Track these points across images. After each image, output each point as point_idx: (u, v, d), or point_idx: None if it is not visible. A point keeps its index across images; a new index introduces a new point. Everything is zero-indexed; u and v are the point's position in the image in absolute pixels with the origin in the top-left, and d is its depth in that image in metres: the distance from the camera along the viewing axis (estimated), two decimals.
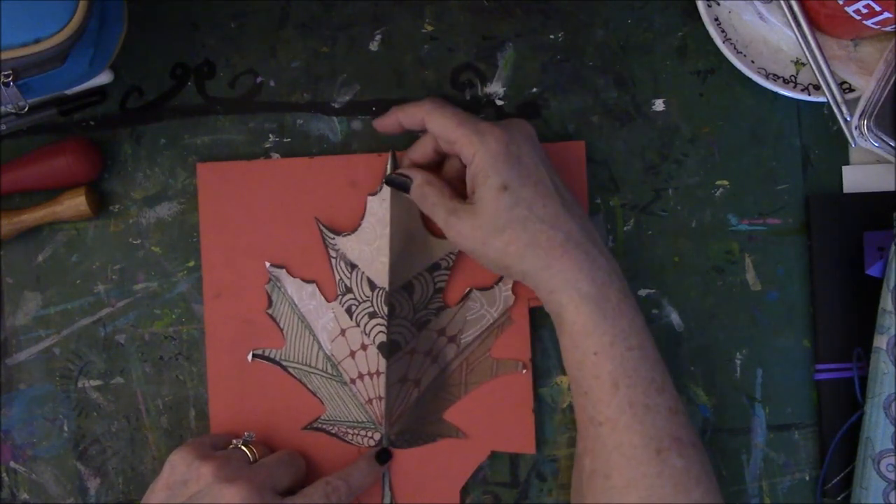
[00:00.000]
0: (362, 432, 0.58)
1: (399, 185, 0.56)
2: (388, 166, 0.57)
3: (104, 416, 0.60)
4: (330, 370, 0.58)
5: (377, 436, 0.58)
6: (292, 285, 0.58)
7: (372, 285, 0.57)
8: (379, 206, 0.57)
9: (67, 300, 0.60)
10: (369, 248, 0.57)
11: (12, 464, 0.60)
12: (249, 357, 0.58)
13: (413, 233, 0.57)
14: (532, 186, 0.51)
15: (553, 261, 0.51)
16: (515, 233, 0.51)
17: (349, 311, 0.58)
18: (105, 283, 0.60)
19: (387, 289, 0.57)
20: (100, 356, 0.60)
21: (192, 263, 0.60)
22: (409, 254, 0.57)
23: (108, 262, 0.60)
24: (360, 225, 0.58)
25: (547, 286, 0.52)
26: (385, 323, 0.57)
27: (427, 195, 0.54)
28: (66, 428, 0.60)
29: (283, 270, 0.58)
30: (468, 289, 0.58)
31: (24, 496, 0.59)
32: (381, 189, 0.57)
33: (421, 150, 0.57)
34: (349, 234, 0.58)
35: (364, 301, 0.57)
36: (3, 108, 0.53)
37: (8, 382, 0.60)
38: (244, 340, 0.59)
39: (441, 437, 0.58)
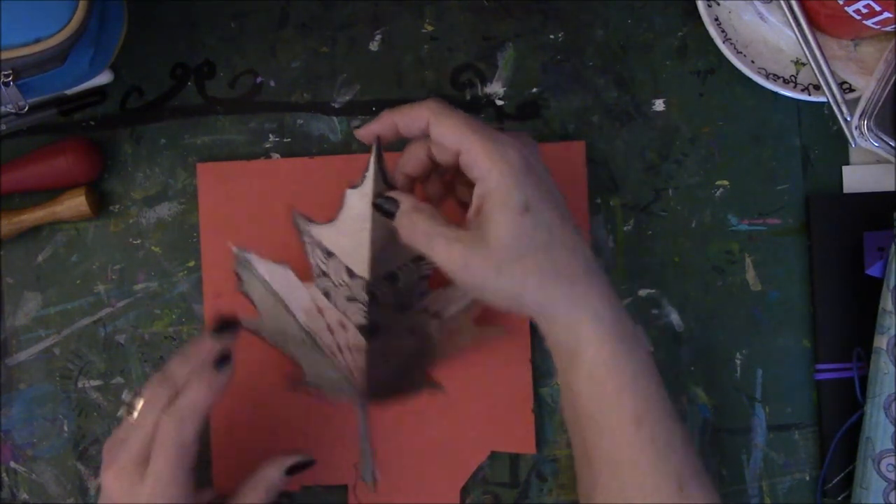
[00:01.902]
0: (342, 396, 0.57)
1: (385, 213, 0.49)
2: (372, 160, 0.51)
3: (104, 416, 0.60)
4: (307, 340, 0.56)
5: (356, 398, 0.57)
6: (263, 266, 0.56)
7: (351, 273, 0.53)
8: (359, 201, 0.52)
9: (67, 300, 0.60)
10: (348, 239, 0.53)
11: (12, 464, 0.60)
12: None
13: (392, 233, 0.52)
14: (553, 207, 0.46)
15: (576, 290, 0.46)
16: (537, 260, 0.45)
17: (326, 294, 0.55)
18: (105, 283, 0.60)
19: (367, 278, 0.53)
20: (100, 356, 0.60)
21: (192, 263, 0.60)
22: (391, 247, 0.52)
23: (108, 262, 0.60)
24: (336, 217, 0.53)
25: (566, 319, 0.46)
26: (365, 308, 0.54)
27: (417, 224, 0.47)
28: (66, 428, 0.60)
29: (253, 253, 0.56)
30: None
31: (24, 496, 0.60)
32: (362, 182, 0.51)
33: (415, 160, 0.50)
34: (325, 224, 0.54)
35: (341, 286, 0.54)
36: (3, 108, 0.53)
37: (8, 382, 0.60)
38: (244, 340, 0.59)
39: (420, 388, 0.57)
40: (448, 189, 0.53)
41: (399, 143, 0.51)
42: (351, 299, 0.54)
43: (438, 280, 0.54)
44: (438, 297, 0.56)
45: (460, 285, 0.47)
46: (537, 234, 0.45)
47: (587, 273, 0.46)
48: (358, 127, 0.52)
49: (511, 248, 0.45)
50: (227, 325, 0.51)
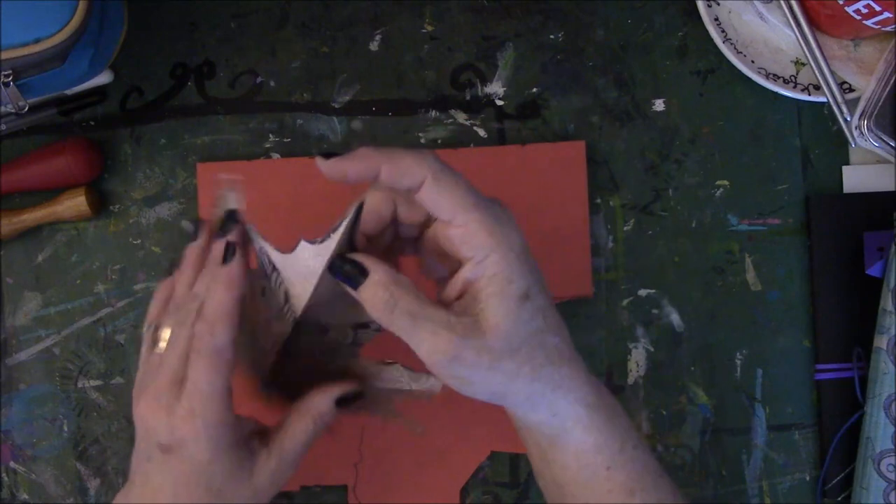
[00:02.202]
0: None
1: (345, 279, 0.42)
2: (345, 223, 0.44)
3: (104, 416, 0.60)
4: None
5: None
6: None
7: (287, 297, 0.46)
8: (312, 259, 0.45)
9: (67, 300, 0.60)
10: (294, 275, 0.46)
11: (12, 464, 0.60)
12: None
13: (344, 292, 0.44)
14: (545, 291, 0.42)
15: (563, 378, 0.42)
16: (530, 350, 0.41)
17: (262, 290, 0.48)
18: (105, 283, 0.60)
19: (297, 315, 0.46)
20: (100, 356, 0.60)
21: None
22: (333, 305, 0.46)
23: (108, 262, 0.60)
24: (287, 255, 0.46)
25: (550, 409, 0.43)
26: (285, 338, 0.47)
27: (398, 301, 0.40)
28: (66, 428, 0.60)
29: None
30: (394, 362, 0.48)
31: (24, 496, 0.59)
32: (323, 240, 0.44)
33: (376, 217, 0.43)
34: (275, 249, 0.47)
35: (275, 297, 0.47)
36: (3, 108, 0.53)
37: (8, 382, 0.60)
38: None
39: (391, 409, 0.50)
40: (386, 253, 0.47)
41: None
42: (278, 317, 0.47)
43: (371, 351, 0.49)
44: (366, 366, 0.49)
45: (439, 377, 0.42)
46: (533, 322, 0.41)
47: (571, 358, 0.43)
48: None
49: (508, 340, 0.40)
50: (228, 219, 0.46)
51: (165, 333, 0.45)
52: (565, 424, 0.43)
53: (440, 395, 0.58)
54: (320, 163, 0.41)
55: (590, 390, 0.43)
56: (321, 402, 0.46)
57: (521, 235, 0.42)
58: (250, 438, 0.46)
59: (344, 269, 0.42)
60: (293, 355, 0.48)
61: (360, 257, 0.42)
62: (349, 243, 0.44)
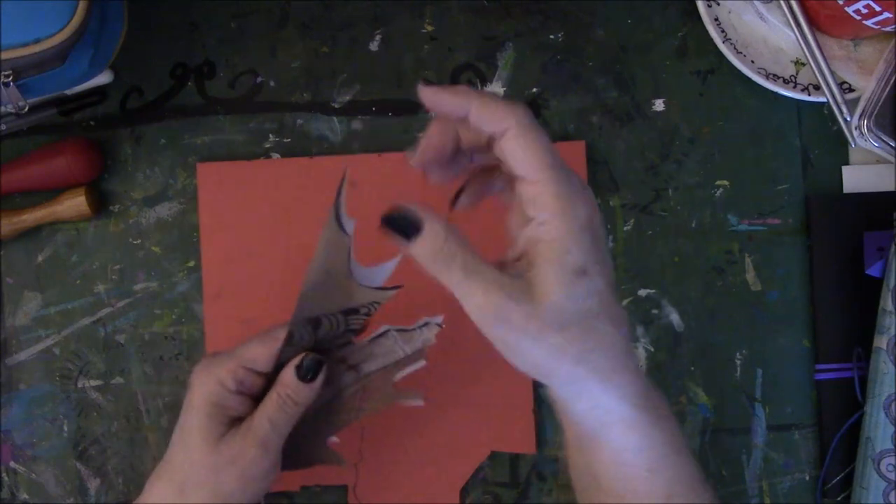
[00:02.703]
0: None
1: (398, 230, 0.40)
2: (342, 191, 0.46)
3: (104, 416, 0.60)
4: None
5: None
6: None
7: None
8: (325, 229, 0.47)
9: (67, 300, 0.60)
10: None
11: (12, 464, 0.60)
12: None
13: (337, 273, 0.47)
14: (608, 274, 0.40)
15: (614, 373, 0.41)
16: (581, 332, 0.39)
17: None
18: (105, 283, 0.60)
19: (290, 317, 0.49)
20: (100, 356, 0.60)
21: (192, 263, 0.60)
22: (325, 290, 0.48)
23: (108, 262, 0.60)
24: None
25: (594, 398, 0.41)
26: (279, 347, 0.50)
27: (454, 256, 0.39)
28: (66, 428, 0.60)
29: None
30: (386, 328, 0.51)
31: (24, 496, 0.59)
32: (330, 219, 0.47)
33: (439, 140, 0.42)
34: None
35: None
36: (3, 108, 0.53)
37: (8, 382, 0.60)
38: (244, 340, 0.59)
39: (321, 463, 0.53)
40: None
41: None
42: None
43: (364, 332, 0.51)
44: (360, 349, 0.51)
45: (486, 334, 0.40)
46: (588, 303, 0.39)
47: (625, 353, 0.41)
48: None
49: (559, 312, 0.39)
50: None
51: None
52: (608, 419, 0.41)
53: (441, 397, 0.58)
54: (422, 89, 0.40)
55: (639, 390, 0.42)
56: (283, 374, 0.49)
57: (593, 210, 0.40)
58: (238, 422, 0.49)
59: (397, 220, 0.40)
60: (292, 353, 0.49)
61: (414, 209, 0.40)
62: (338, 221, 0.46)
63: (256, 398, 0.50)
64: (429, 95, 0.40)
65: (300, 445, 0.52)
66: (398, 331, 0.51)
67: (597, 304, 0.39)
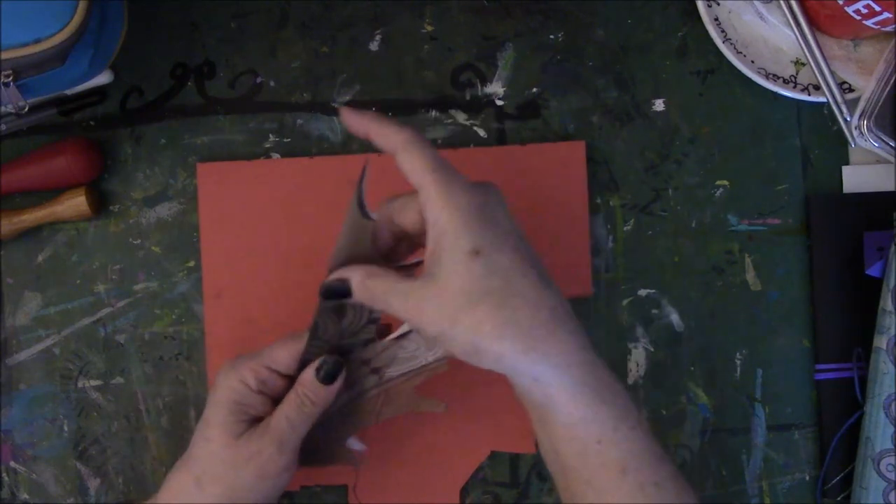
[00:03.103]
0: None
1: (337, 294, 0.47)
2: (364, 178, 0.48)
3: (104, 416, 0.60)
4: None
5: None
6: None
7: None
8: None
9: (67, 300, 0.60)
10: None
11: (12, 464, 0.60)
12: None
13: (360, 258, 0.49)
14: (510, 253, 0.44)
15: (537, 342, 0.43)
16: (490, 309, 0.42)
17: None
18: (105, 283, 0.60)
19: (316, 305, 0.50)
20: (100, 356, 0.60)
21: (192, 263, 0.60)
22: None
23: (108, 262, 0.60)
24: None
25: (530, 373, 0.44)
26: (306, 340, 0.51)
27: (373, 289, 0.46)
28: (66, 428, 0.60)
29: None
30: (409, 329, 0.51)
31: (24, 496, 0.60)
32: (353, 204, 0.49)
33: (409, 216, 0.47)
34: None
35: None
36: (3, 108, 0.53)
37: (8, 382, 0.60)
38: (244, 340, 0.59)
39: (339, 462, 0.54)
40: None
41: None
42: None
43: (386, 331, 0.52)
44: (383, 351, 0.51)
45: (425, 337, 0.46)
46: (491, 281, 0.43)
47: (551, 324, 0.44)
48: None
49: (462, 293, 0.43)
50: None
51: None
52: (549, 391, 0.44)
53: (441, 397, 0.58)
54: (342, 111, 0.47)
55: (578, 362, 0.44)
56: (304, 374, 0.50)
57: (479, 197, 0.44)
58: (258, 422, 0.51)
59: (333, 287, 0.47)
60: (317, 348, 0.51)
61: (339, 272, 0.47)
62: (361, 208, 0.48)
63: (277, 399, 0.51)
64: (345, 116, 0.47)
65: (318, 444, 0.53)
66: (421, 335, 0.51)
67: (501, 282, 0.43)
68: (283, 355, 0.51)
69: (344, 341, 0.51)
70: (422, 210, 0.45)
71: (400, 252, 0.50)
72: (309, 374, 0.50)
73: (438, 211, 0.43)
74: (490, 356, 0.43)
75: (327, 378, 0.50)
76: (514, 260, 0.43)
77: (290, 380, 0.51)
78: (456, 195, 0.43)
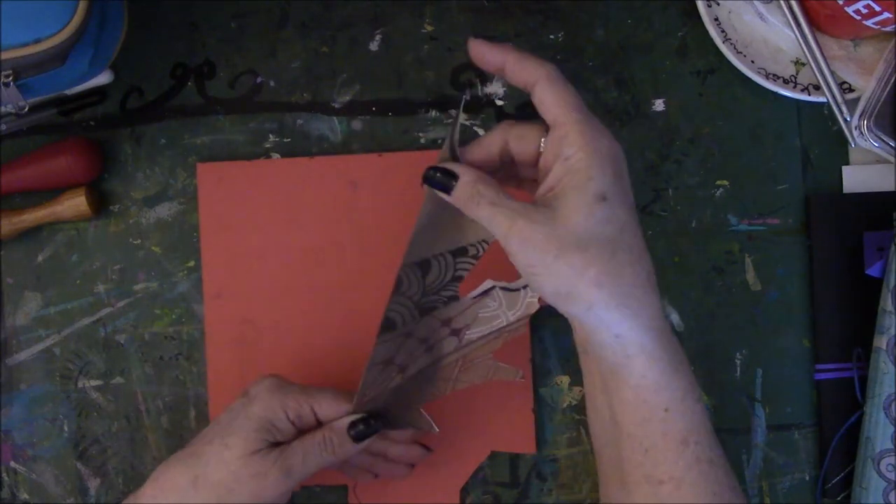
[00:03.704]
0: None
1: (438, 185, 0.46)
2: (457, 126, 0.47)
3: (104, 416, 0.60)
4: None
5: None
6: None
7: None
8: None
9: (67, 300, 0.60)
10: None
11: (12, 464, 0.60)
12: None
13: (447, 208, 0.47)
14: (629, 208, 0.44)
15: (631, 300, 0.43)
16: (599, 254, 0.42)
17: None
18: (105, 283, 0.60)
19: (401, 262, 0.49)
20: (100, 356, 0.60)
21: (192, 263, 0.60)
22: (436, 227, 0.49)
23: (108, 262, 0.60)
24: None
25: (616, 328, 0.43)
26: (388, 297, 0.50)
27: (483, 194, 0.45)
28: (66, 428, 0.60)
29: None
30: (491, 285, 0.51)
31: (24, 496, 0.60)
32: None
33: (485, 150, 0.47)
34: None
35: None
36: (3, 108, 0.53)
37: (8, 382, 0.60)
38: (244, 340, 0.59)
39: (411, 426, 0.53)
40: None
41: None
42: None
43: (468, 286, 0.51)
44: (465, 310, 0.51)
45: (515, 263, 0.44)
46: (607, 228, 0.43)
47: (648, 286, 0.44)
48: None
49: (578, 233, 0.42)
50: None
51: None
52: (628, 351, 0.44)
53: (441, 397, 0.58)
54: (471, 41, 0.46)
55: (660, 328, 0.44)
56: (338, 424, 0.51)
57: (616, 147, 0.44)
58: (278, 445, 0.50)
59: (436, 178, 0.46)
60: (399, 304, 0.49)
61: (448, 165, 0.46)
62: (452, 151, 0.47)
63: (302, 432, 0.52)
64: (475, 47, 0.46)
65: (391, 409, 0.52)
66: (502, 289, 0.51)
67: (618, 232, 0.43)
68: (332, 410, 0.51)
69: (427, 298, 0.50)
70: (552, 145, 0.44)
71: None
72: (343, 424, 0.51)
73: (577, 149, 0.43)
74: (583, 302, 0.43)
75: (358, 437, 0.51)
76: (631, 215, 0.44)
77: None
78: (596, 139, 0.43)
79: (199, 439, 0.51)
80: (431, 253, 0.49)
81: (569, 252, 0.42)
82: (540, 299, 0.51)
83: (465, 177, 0.45)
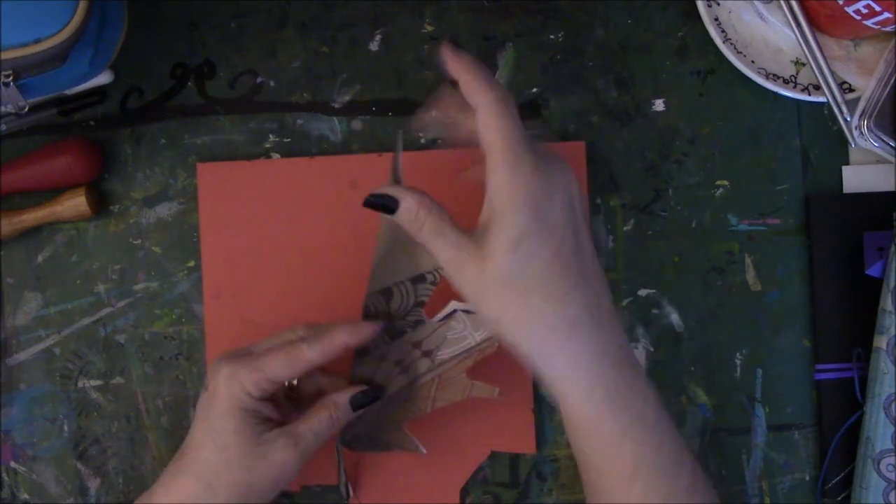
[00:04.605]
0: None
1: (381, 208, 0.47)
2: (398, 158, 0.50)
3: (104, 416, 0.60)
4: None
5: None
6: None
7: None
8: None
9: (67, 300, 0.60)
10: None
11: (12, 464, 0.60)
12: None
13: (400, 240, 0.51)
14: (554, 246, 0.44)
15: (554, 348, 0.44)
16: (515, 299, 0.44)
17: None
18: (105, 283, 0.60)
19: (366, 290, 0.53)
20: (100, 356, 0.60)
21: (192, 263, 0.60)
22: (393, 258, 0.52)
23: (108, 262, 0.60)
24: None
25: (544, 371, 0.45)
26: None
27: (423, 221, 0.46)
28: (66, 428, 0.60)
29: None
30: (454, 308, 0.52)
31: (24, 496, 0.60)
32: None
33: (451, 104, 0.49)
34: None
35: None
36: (3, 108, 0.53)
37: (8, 382, 0.60)
38: (244, 340, 0.59)
39: (397, 448, 0.54)
40: None
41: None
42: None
43: (434, 309, 0.53)
44: (432, 333, 0.53)
45: (453, 286, 0.47)
46: (525, 270, 0.43)
47: (571, 331, 0.44)
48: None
49: (497, 275, 0.44)
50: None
51: None
52: (561, 393, 0.45)
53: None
54: (443, 48, 0.47)
55: (594, 364, 0.44)
56: (339, 396, 0.52)
57: (540, 184, 0.44)
58: (268, 423, 0.51)
59: (377, 202, 0.47)
60: (369, 357, 0.53)
61: (389, 190, 0.47)
62: (395, 175, 0.50)
63: (276, 399, 0.52)
64: (442, 52, 0.47)
65: (375, 432, 0.54)
66: (465, 311, 0.52)
67: (535, 275, 0.43)
68: (284, 373, 0.50)
69: (396, 324, 0.53)
70: (486, 174, 0.45)
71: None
72: (344, 399, 0.52)
73: (496, 187, 0.44)
74: (507, 342, 0.45)
75: (360, 408, 0.52)
76: (550, 264, 0.44)
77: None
78: (519, 174, 0.43)
79: (190, 448, 0.51)
80: (392, 281, 0.53)
81: (491, 293, 0.44)
82: None
83: (407, 200, 0.46)
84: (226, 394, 0.50)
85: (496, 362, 0.59)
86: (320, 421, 0.51)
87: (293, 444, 0.50)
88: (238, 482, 0.50)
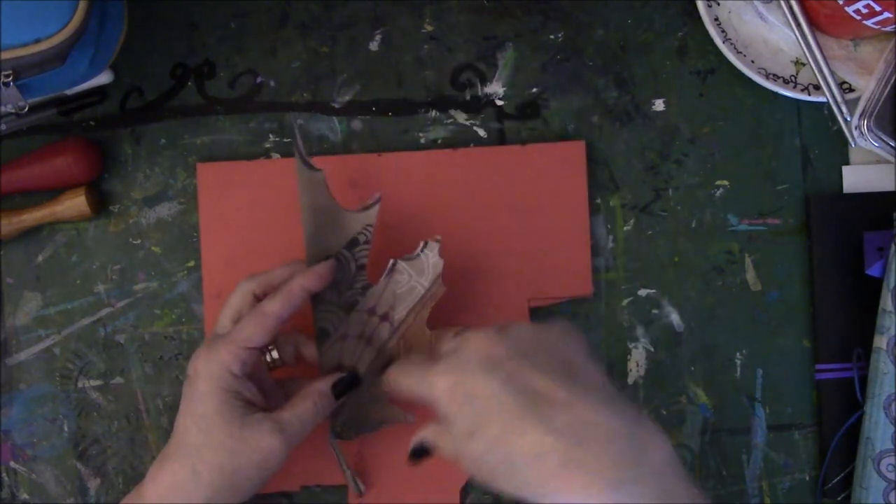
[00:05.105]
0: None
1: (423, 454, 0.49)
2: (297, 138, 0.54)
3: (104, 416, 0.60)
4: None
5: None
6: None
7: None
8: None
9: (67, 300, 0.60)
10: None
11: (12, 464, 0.60)
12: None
13: (324, 208, 0.53)
14: (497, 425, 0.43)
15: (527, 483, 0.43)
16: (481, 478, 0.45)
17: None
18: (105, 283, 0.60)
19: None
20: (100, 356, 0.60)
21: (192, 263, 0.60)
22: (323, 232, 0.54)
23: (108, 262, 0.60)
24: None
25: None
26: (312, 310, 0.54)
27: (437, 440, 0.48)
28: (66, 428, 0.60)
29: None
30: (392, 260, 0.54)
31: (24, 496, 0.60)
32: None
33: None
34: None
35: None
36: (3, 108, 0.53)
37: (8, 382, 0.60)
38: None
39: (388, 422, 0.55)
40: None
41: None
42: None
43: (377, 271, 0.54)
44: (382, 293, 0.54)
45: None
46: (485, 458, 0.44)
47: (545, 480, 0.42)
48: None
49: (467, 459, 0.45)
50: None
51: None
52: None
53: None
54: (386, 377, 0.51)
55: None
56: (321, 384, 0.53)
57: (455, 382, 0.45)
58: (252, 406, 0.51)
59: (419, 453, 0.49)
60: (327, 312, 0.54)
61: (420, 441, 0.49)
62: (305, 163, 0.53)
63: (258, 379, 0.53)
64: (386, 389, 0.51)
65: (359, 411, 0.55)
66: (405, 260, 0.54)
67: (492, 456, 0.43)
68: (255, 333, 0.51)
69: (345, 297, 0.54)
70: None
71: None
72: (326, 386, 0.53)
73: (432, 404, 0.46)
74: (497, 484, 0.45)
75: (341, 395, 0.53)
76: (500, 433, 0.44)
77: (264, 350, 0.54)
78: (433, 387, 0.46)
79: (175, 434, 0.51)
80: (330, 254, 0.54)
81: (466, 464, 0.45)
82: (441, 252, 0.54)
83: (433, 445, 0.48)
84: (205, 374, 0.50)
85: None
86: (305, 409, 0.52)
87: (278, 430, 0.50)
88: (222, 465, 0.50)
